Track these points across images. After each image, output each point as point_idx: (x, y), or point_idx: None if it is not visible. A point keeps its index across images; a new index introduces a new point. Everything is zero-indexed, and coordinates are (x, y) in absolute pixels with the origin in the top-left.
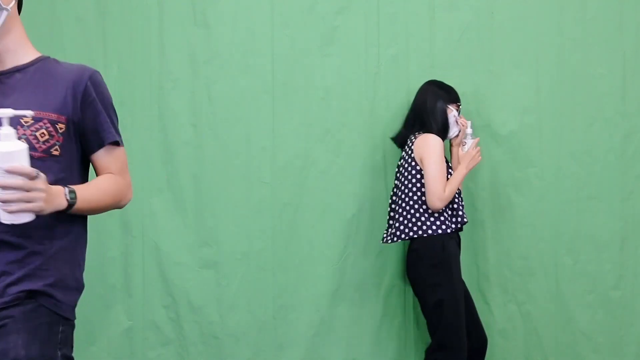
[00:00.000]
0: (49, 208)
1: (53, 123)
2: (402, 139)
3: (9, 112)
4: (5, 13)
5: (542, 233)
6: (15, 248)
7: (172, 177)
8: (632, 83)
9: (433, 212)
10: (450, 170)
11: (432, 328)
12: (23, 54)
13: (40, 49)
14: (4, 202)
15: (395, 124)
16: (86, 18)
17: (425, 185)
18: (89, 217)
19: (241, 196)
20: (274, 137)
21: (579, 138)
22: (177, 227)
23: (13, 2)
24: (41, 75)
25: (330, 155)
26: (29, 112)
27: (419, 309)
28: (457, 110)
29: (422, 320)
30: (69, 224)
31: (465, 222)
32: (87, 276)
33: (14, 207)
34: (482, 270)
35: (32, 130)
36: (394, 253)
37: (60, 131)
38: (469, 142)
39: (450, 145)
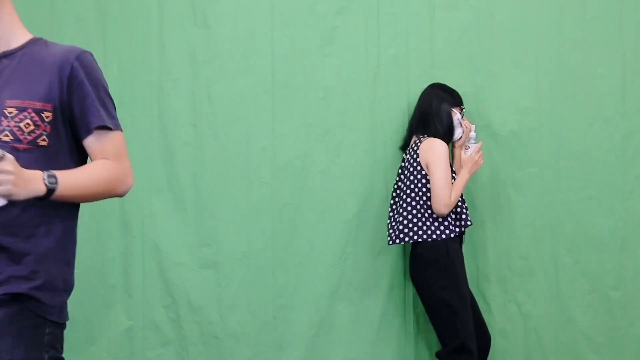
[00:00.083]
0: (22, 193)
1: (38, 112)
2: (406, 142)
3: None
4: None
5: (542, 233)
6: (1, 249)
7: (172, 177)
8: (632, 83)
9: (437, 217)
10: (453, 174)
11: (444, 333)
12: (13, 38)
13: None
14: None
15: (395, 124)
16: (86, 18)
17: (432, 191)
18: (87, 217)
19: (241, 196)
20: (274, 137)
21: (579, 138)
22: (177, 227)
23: None
24: (28, 61)
25: (330, 155)
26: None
27: (419, 309)
28: (460, 113)
29: (422, 320)
30: (58, 221)
31: (468, 225)
32: (87, 276)
33: None
34: (482, 270)
35: (16, 122)
36: (394, 253)
37: (46, 120)
38: (472, 146)
39: (453, 147)
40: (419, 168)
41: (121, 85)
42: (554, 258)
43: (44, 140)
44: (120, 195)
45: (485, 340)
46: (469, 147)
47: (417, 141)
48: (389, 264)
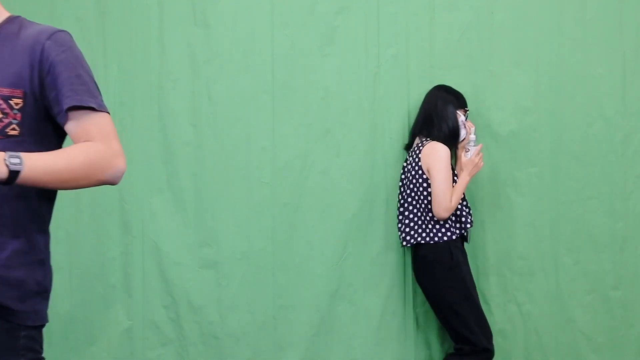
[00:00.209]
0: None
1: (6, 99)
2: (409, 142)
3: None
4: None
5: (542, 233)
6: None
7: (172, 177)
8: (632, 83)
9: (438, 220)
10: (455, 177)
11: (457, 334)
12: None
13: None
14: None
15: (395, 124)
16: (86, 18)
17: (432, 195)
18: (87, 217)
19: (241, 196)
20: (274, 137)
21: (579, 138)
22: (177, 227)
23: None
24: (1, 42)
25: (330, 155)
26: None
27: (419, 308)
28: (464, 115)
29: (422, 320)
30: (25, 218)
31: (468, 228)
32: (87, 276)
33: None
34: (482, 270)
35: None
36: (394, 253)
37: (16, 107)
38: (472, 149)
39: (456, 149)
40: (420, 172)
41: (121, 85)
42: (554, 258)
43: (13, 129)
44: (110, 182)
45: None
46: (468, 149)
47: (420, 144)
48: (389, 264)
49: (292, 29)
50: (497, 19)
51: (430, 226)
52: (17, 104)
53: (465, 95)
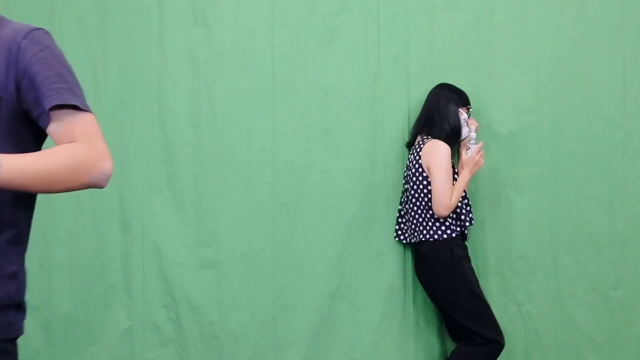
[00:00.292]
0: None
1: None
2: (411, 140)
3: None
4: None
5: (542, 233)
6: None
7: (172, 177)
8: (632, 83)
9: (438, 218)
10: (456, 175)
11: (467, 328)
12: None
13: None
14: None
15: (395, 124)
16: (86, 18)
17: (432, 193)
18: (87, 217)
19: (241, 196)
20: (274, 137)
21: (579, 138)
22: (177, 227)
23: None
24: None
25: (330, 155)
26: None
27: (418, 308)
28: (467, 113)
29: (422, 320)
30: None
31: (467, 226)
32: (87, 276)
33: None
34: (482, 270)
35: None
36: (394, 253)
37: None
38: (473, 147)
39: (459, 147)
40: (420, 170)
41: (121, 85)
42: (554, 258)
43: None
44: (96, 184)
45: None
46: (469, 147)
47: (421, 142)
48: (389, 264)
49: (292, 29)
50: (497, 19)
51: (430, 224)
52: None
53: None
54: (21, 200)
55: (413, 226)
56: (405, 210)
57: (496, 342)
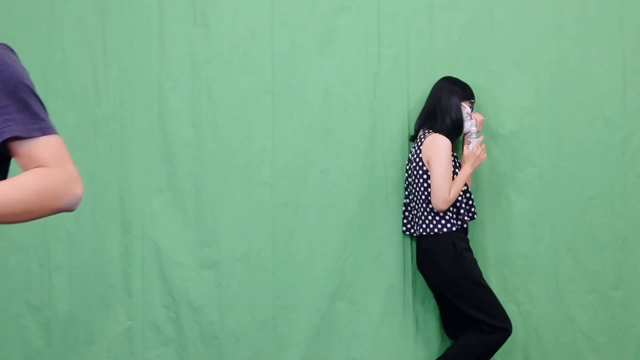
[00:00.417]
0: None
1: None
2: (415, 134)
3: None
4: None
5: (542, 233)
6: None
7: (172, 177)
8: (632, 83)
9: (438, 212)
10: (457, 169)
11: (474, 318)
12: None
13: (40, 49)
14: None
15: (395, 124)
16: (86, 18)
17: (431, 187)
18: (87, 217)
19: (241, 196)
20: (274, 137)
21: (579, 138)
22: (177, 227)
23: None
24: None
25: (330, 155)
26: None
27: (418, 308)
28: (470, 107)
29: (422, 320)
30: None
31: (466, 220)
32: (87, 276)
33: None
34: (482, 270)
35: None
36: (394, 253)
37: None
38: (474, 141)
39: (463, 140)
40: (420, 164)
41: (121, 85)
42: (554, 258)
43: None
44: (67, 209)
45: None
46: (470, 142)
47: (422, 136)
48: (389, 264)
49: (292, 29)
50: (497, 19)
51: (430, 217)
52: None
53: None
54: None
55: (416, 219)
56: (408, 204)
57: (504, 329)
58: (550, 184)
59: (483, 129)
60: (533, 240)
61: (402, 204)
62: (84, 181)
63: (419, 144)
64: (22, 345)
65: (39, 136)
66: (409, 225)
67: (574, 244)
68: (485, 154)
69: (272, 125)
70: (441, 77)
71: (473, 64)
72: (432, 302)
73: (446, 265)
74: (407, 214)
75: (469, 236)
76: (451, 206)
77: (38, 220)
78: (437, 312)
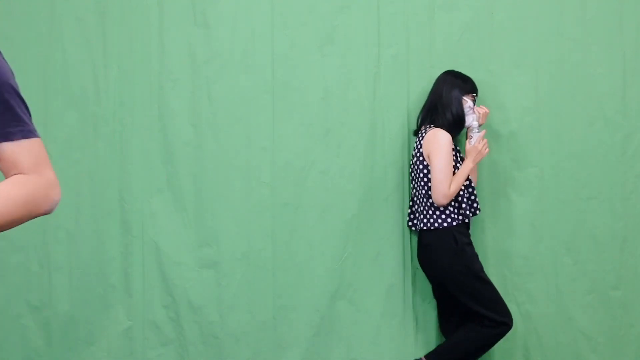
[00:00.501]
0: None
1: None
2: (417, 128)
3: None
4: None
5: (542, 233)
6: None
7: (172, 177)
8: (632, 83)
9: (439, 207)
10: (459, 163)
11: (476, 312)
12: None
13: (40, 49)
14: None
15: (395, 124)
16: (86, 18)
17: (431, 181)
18: (87, 217)
19: (241, 196)
20: (274, 137)
21: (579, 138)
22: (177, 227)
23: None
24: None
25: (330, 155)
26: None
27: (418, 308)
28: (472, 100)
29: (422, 320)
30: None
31: (467, 215)
32: (87, 276)
33: None
34: None
35: None
36: (394, 253)
37: None
38: (475, 135)
39: (466, 136)
40: (421, 158)
41: (121, 85)
42: (554, 258)
43: None
44: (46, 213)
45: None
46: (472, 136)
47: (424, 131)
48: (389, 264)
49: (292, 29)
50: (497, 19)
51: (431, 212)
52: None
53: None
54: None
55: (417, 214)
56: (412, 199)
57: (504, 323)
58: (550, 184)
59: (484, 129)
60: (533, 240)
61: (409, 199)
62: (83, 181)
63: (420, 138)
64: (22, 345)
65: (19, 139)
66: (414, 221)
67: (573, 244)
68: (487, 149)
69: (272, 125)
70: None
71: (473, 64)
72: (432, 302)
73: (447, 260)
74: (413, 208)
75: (470, 231)
76: (453, 201)
77: (38, 220)
78: (437, 311)
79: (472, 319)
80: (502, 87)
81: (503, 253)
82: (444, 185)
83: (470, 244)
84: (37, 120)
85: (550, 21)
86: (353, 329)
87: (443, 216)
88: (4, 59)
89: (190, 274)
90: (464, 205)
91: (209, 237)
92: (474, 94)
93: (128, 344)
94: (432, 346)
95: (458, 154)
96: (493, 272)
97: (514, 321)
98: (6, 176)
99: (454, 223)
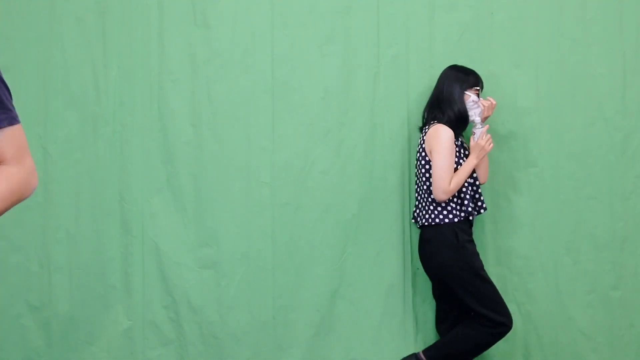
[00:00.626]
0: None
1: None
2: (423, 124)
3: None
4: None
5: (542, 233)
6: None
7: (172, 177)
8: (632, 83)
9: (440, 203)
10: (463, 159)
11: (475, 310)
12: None
13: (40, 49)
14: None
15: (395, 124)
16: (86, 18)
17: (432, 178)
18: (87, 217)
19: (241, 196)
20: (274, 137)
21: (579, 138)
22: (177, 227)
23: None
24: None
25: (330, 155)
26: None
27: (418, 307)
28: (476, 94)
29: (422, 320)
30: None
31: (476, 213)
32: (87, 276)
33: None
34: None
35: None
36: (394, 253)
37: None
38: (478, 131)
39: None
40: (423, 154)
41: (121, 85)
42: (554, 258)
43: None
44: (23, 200)
45: None
46: (475, 132)
47: (426, 127)
48: (389, 264)
49: (292, 29)
50: (497, 19)
51: (432, 207)
52: None
53: None
54: None
55: (420, 209)
56: (416, 196)
57: (503, 323)
58: (550, 184)
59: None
60: (533, 240)
61: (415, 195)
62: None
63: (424, 134)
64: (22, 345)
65: (5, 127)
66: (417, 217)
67: (573, 244)
68: (491, 144)
69: (272, 125)
70: None
71: (473, 64)
72: (432, 302)
73: (447, 256)
74: (417, 204)
75: (474, 227)
76: (455, 197)
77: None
78: (436, 311)
79: (470, 317)
80: (502, 87)
81: (503, 253)
82: (444, 181)
83: (471, 241)
84: (37, 120)
85: (550, 21)
86: (353, 329)
87: (444, 212)
88: None
89: (190, 274)
90: (466, 202)
91: (208, 237)
92: (478, 88)
93: (128, 344)
94: None
95: (463, 150)
96: (493, 272)
97: (513, 321)
98: None
99: (455, 219)
